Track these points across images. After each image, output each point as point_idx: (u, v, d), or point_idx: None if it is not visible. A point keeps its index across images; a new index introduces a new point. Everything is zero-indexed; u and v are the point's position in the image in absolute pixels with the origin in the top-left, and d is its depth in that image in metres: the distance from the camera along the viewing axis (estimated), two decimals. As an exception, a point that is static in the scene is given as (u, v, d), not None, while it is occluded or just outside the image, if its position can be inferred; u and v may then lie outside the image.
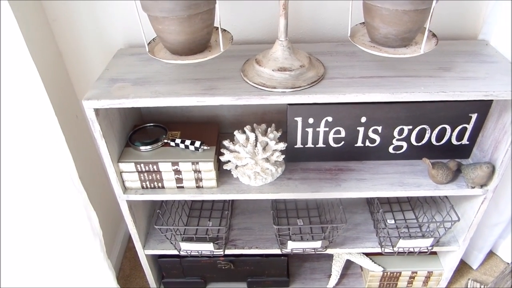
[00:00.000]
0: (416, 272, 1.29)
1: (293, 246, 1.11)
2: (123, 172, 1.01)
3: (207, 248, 1.11)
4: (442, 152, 1.08)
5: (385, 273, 1.29)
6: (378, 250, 1.18)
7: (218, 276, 1.32)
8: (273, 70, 0.86)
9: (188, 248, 1.12)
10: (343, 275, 1.38)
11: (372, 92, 0.84)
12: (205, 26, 0.77)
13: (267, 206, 1.32)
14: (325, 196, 1.02)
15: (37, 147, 0.81)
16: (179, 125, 1.11)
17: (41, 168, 0.83)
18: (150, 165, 0.99)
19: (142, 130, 1.09)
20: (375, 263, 1.28)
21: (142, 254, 1.20)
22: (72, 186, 0.92)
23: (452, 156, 1.09)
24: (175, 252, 1.17)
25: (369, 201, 1.30)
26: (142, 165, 0.99)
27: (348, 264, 1.41)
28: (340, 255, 1.32)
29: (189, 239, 1.13)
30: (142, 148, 1.02)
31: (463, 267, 1.43)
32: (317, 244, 1.11)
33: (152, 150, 1.02)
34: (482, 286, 1.32)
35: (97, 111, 0.87)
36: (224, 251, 1.15)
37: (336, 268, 1.32)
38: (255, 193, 1.02)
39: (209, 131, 1.09)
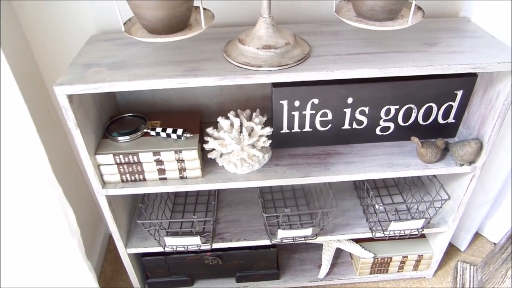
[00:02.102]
0: (406, 257, 1.28)
1: (283, 235, 1.08)
2: (101, 165, 0.94)
3: (193, 242, 1.06)
4: (429, 132, 1.07)
5: (376, 259, 1.27)
6: (369, 235, 1.16)
7: (206, 272, 1.27)
8: (257, 48, 0.82)
9: (174, 243, 1.07)
10: (333, 265, 1.35)
11: (361, 68, 0.81)
12: (185, 1, 0.72)
13: (253, 197, 1.28)
14: (315, 181, 0.99)
15: (7, 142, 0.74)
16: (159, 115, 1.06)
17: (13, 163, 0.77)
18: (130, 156, 0.93)
19: (120, 120, 1.03)
20: (365, 249, 1.26)
21: (124, 253, 1.14)
22: (46, 181, 0.85)
23: (439, 135, 1.08)
24: (159, 249, 1.11)
25: (357, 187, 1.29)
26: (121, 156, 0.93)
27: (338, 253, 1.39)
28: (330, 243, 1.29)
29: (174, 234, 1.08)
30: (121, 138, 0.96)
31: (451, 249, 1.43)
32: (308, 231, 1.08)
33: (132, 141, 0.97)
34: (472, 267, 1.32)
35: (70, 98, 0.81)
36: (211, 245, 1.11)
37: (327, 258, 1.29)
38: (242, 181, 0.98)
39: (191, 119, 1.04)
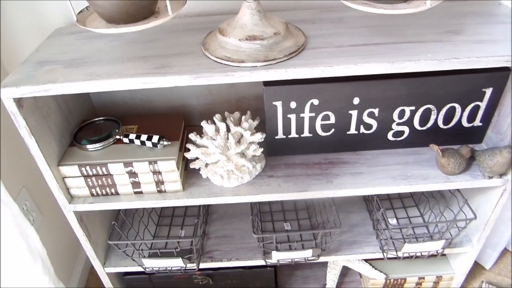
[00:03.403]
0: (423, 278, 1.12)
1: (279, 256, 0.93)
2: (66, 177, 0.82)
3: (176, 264, 0.93)
4: (451, 137, 0.91)
5: (388, 280, 1.12)
6: (380, 255, 1.00)
7: (196, 292, 1.14)
8: (240, 39, 0.68)
9: (153, 265, 0.94)
10: (339, 283, 1.21)
11: (367, 63, 0.66)
12: (145, -19, 0.58)
13: (248, 208, 1.13)
14: (315, 196, 0.84)
15: None
16: (136, 118, 0.93)
17: None
18: (98, 168, 0.81)
19: (91, 125, 0.90)
20: (376, 269, 1.11)
21: (103, 273, 1.02)
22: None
23: (463, 141, 0.92)
24: (140, 268, 0.99)
25: (367, 198, 1.13)
26: (87, 168, 0.80)
27: (345, 271, 1.24)
28: (336, 261, 1.14)
29: (154, 255, 0.95)
30: (90, 147, 0.83)
31: (474, 267, 1.27)
32: (307, 253, 0.93)
33: (102, 149, 0.84)
34: (500, 290, 1.16)
35: (19, 102, 0.68)
36: (198, 266, 0.97)
37: (332, 277, 1.15)
38: (229, 196, 0.84)
39: (173, 124, 0.91)
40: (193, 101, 1.00)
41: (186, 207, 1.14)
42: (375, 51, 0.69)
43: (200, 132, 0.86)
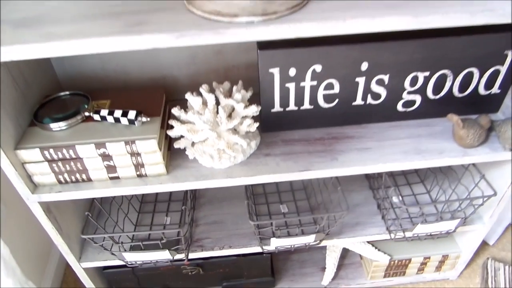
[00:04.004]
0: (429, 258, 1.05)
1: (278, 243, 0.84)
2: (26, 163, 0.69)
3: (162, 256, 0.82)
4: (464, 106, 0.82)
5: (392, 262, 1.04)
6: (386, 237, 0.92)
7: (184, 283, 1.04)
8: (232, -11, 0.55)
9: (136, 258, 0.83)
10: (339, 267, 1.13)
11: (386, 16, 0.54)
12: None
13: (240, 191, 1.03)
14: (318, 176, 0.74)
15: None
16: (109, 93, 0.79)
17: None
18: (64, 150, 0.68)
19: (55, 101, 0.77)
20: (379, 250, 1.03)
21: (79, 268, 0.90)
22: None
23: (477, 110, 0.83)
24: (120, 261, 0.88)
25: (368, 175, 1.04)
26: (51, 150, 0.68)
27: (344, 252, 1.16)
28: (336, 244, 1.06)
29: (138, 248, 0.84)
30: (53, 126, 0.70)
31: (477, 243, 1.21)
32: (310, 238, 0.84)
33: (69, 128, 0.71)
34: (508, 267, 1.10)
35: (-44, 70, 0.54)
36: (187, 256, 0.87)
37: (332, 261, 1.07)
38: (221, 178, 0.73)
39: (152, 98, 0.78)
40: (175, 71, 0.87)
41: (171, 191, 1.03)
42: (394, 3, 0.57)
43: (184, 106, 0.74)
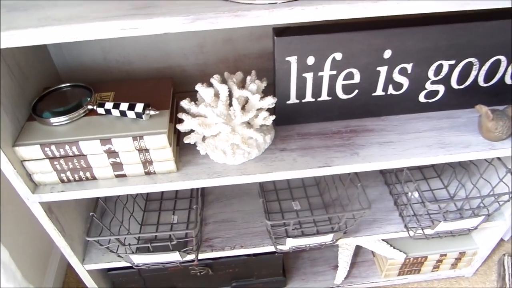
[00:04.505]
0: (445, 255, 1.01)
1: (293, 243, 0.80)
2: (25, 160, 0.64)
3: (171, 258, 0.78)
4: (488, 97, 0.78)
5: (407, 259, 1.01)
6: (404, 234, 0.88)
7: (192, 284, 1.00)
8: (251, -33, 0.50)
9: (144, 261, 0.78)
10: (352, 264, 1.09)
11: (423, -4, 0.49)
12: None
13: (250, 188, 0.99)
14: (339, 171, 0.70)
15: None
16: (112, 84, 0.74)
17: None
18: (67, 147, 0.63)
19: (55, 94, 0.71)
20: (394, 248, 0.99)
21: (83, 270, 0.86)
22: None
23: (501, 101, 0.79)
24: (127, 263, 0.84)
25: (384, 170, 1.00)
26: (52, 147, 0.62)
27: (356, 250, 1.12)
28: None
29: (146, 250, 0.79)
30: (54, 120, 0.65)
31: (492, 239, 1.17)
32: (327, 237, 0.80)
33: (70, 123, 0.66)
34: (526, 264, 1.07)
35: None
36: (196, 257, 0.82)
37: (345, 259, 1.03)
38: (235, 176, 0.68)
39: (159, 89, 0.73)
40: (182, 60, 0.82)
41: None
42: (429, -17, 0.52)
43: (192, 99, 0.69)
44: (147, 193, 0.97)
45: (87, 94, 0.70)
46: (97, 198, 0.80)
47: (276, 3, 0.48)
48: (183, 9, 0.49)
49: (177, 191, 0.98)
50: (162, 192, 0.97)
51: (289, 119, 0.76)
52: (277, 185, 0.99)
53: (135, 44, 0.79)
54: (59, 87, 0.72)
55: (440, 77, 0.73)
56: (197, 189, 0.89)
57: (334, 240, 0.83)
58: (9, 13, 0.50)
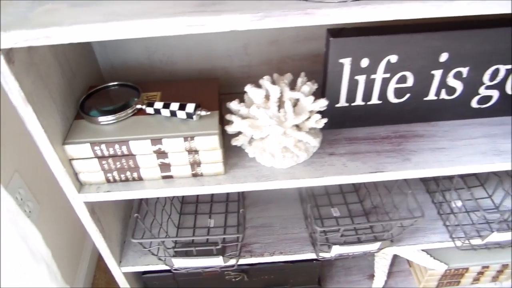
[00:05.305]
0: (487, 267, 0.98)
1: (339, 251, 0.77)
2: (73, 159, 0.63)
3: (213, 263, 0.76)
4: (543, 103, 0.75)
5: (448, 271, 0.97)
6: (450, 244, 0.85)
7: (226, 289, 0.98)
8: (321, -36, 0.48)
9: (185, 265, 0.77)
10: (387, 274, 1.06)
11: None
12: None
13: (286, 192, 0.97)
14: (391, 178, 0.68)
15: None
16: (158, 85, 0.73)
17: None
18: (117, 146, 0.62)
19: (102, 93, 0.71)
20: (435, 258, 0.96)
21: (119, 273, 0.84)
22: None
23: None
24: (165, 266, 0.82)
25: (425, 178, 0.97)
26: (103, 146, 0.61)
27: (392, 259, 1.09)
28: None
29: (184, 253, 0.77)
30: (102, 119, 0.64)
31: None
32: (373, 246, 0.77)
33: (118, 122, 0.65)
34: None
35: (8, 54, 0.48)
36: (237, 262, 0.81)
37: (382, 268, 1.00)
38: (284, 179, 0.66)
39: (206, 90, 0.72)
40: (225, 62, 0.81)
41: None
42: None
43: (239, 100, 0.68)
44: (183, 196, 0.95)
45: (134, 93, 0.69)
46: (141, 200, 0.79)
47: (346, 1, 0.47)
48: (251, 6, 0.47)
49: (212, 194, 0.96)
50: (198, 195, 0.96)
51: (337, 123, 0.74)
52: (315, 191, 0.96)
53: (180, 45, 0.78)
54: (106, 86, 0.71)
55: (495, 82, 0.71)
56: (238, 192, 0.87)
57: (379, 249, 0.80)
58: (72, 8, 0.50)
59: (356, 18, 0.47)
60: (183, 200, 0.94)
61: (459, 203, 0.90)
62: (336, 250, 0.77)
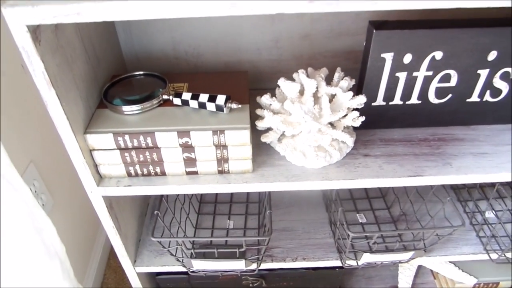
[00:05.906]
0: (519, 282, 0.92)
1: (369, 259, 0.73)
2: (94, 150, 0.59)
3: (235, 266, 0.72)
4: None
5: (477, 285, 0.92)
6: (483, 257, 0.80)
7: (242, 295, 0.93)
8: None
9: (205, 267, 0.72)
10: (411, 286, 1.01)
11: None
12: None
13: (309, 195, 0.92)
14: (431, 182, 0.63)
15: None
16: (184, 76, 0.70)
17: None
18: (141, 138, 0.58)
19: (126, 82, 0.67)
20: (463, 271, 0.91)
21: (133, 273, 0.80)
22: (6, 184, 0.51)
23: None
24: (181, 267, 0.78)
25: (455, 186, 0.92)
26: (126, 137, 0.58)
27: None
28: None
29: (203, 255, 0.73)
30: (127, 109, 0.61)
31: None
32: (405, 255, 0.72)
33: (143, 113, 0.61)
34: None
35: (35, 32, 0.45)
36: (258, 266, 0.76)
37: (406, 279, 0.95)
38: (315, 180, 0.62)
39: (234, 83, 0.68)
40: (254, 55, 0.77)
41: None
42: None
43: (271, 95, 0.64)
44: (201, 195, 0.91)
45: (159, 84, 0.66)
46: (161, 196, 0.75)
47: (405, -15, 0.43)
48: (300, -13, 0.43)
49: (232, 194, 0.92)
50: (216, 195, 0.92)
51: (372, 122, 0.70)
52: (340, 195, 0.92)
53: (206, 36, 0.75)
54: (130, 75, 0.68)
55: (544, 85, 0.66)
56: (260, 193, 0.83)
57: (411, 259, 0.75)
58: (105, -15, 0.46)
59: (422, 4, 0.43)
60: (202, 199, 0.90)
61: (491, 214, 0.86)
62: (366, 258, 0.72)
